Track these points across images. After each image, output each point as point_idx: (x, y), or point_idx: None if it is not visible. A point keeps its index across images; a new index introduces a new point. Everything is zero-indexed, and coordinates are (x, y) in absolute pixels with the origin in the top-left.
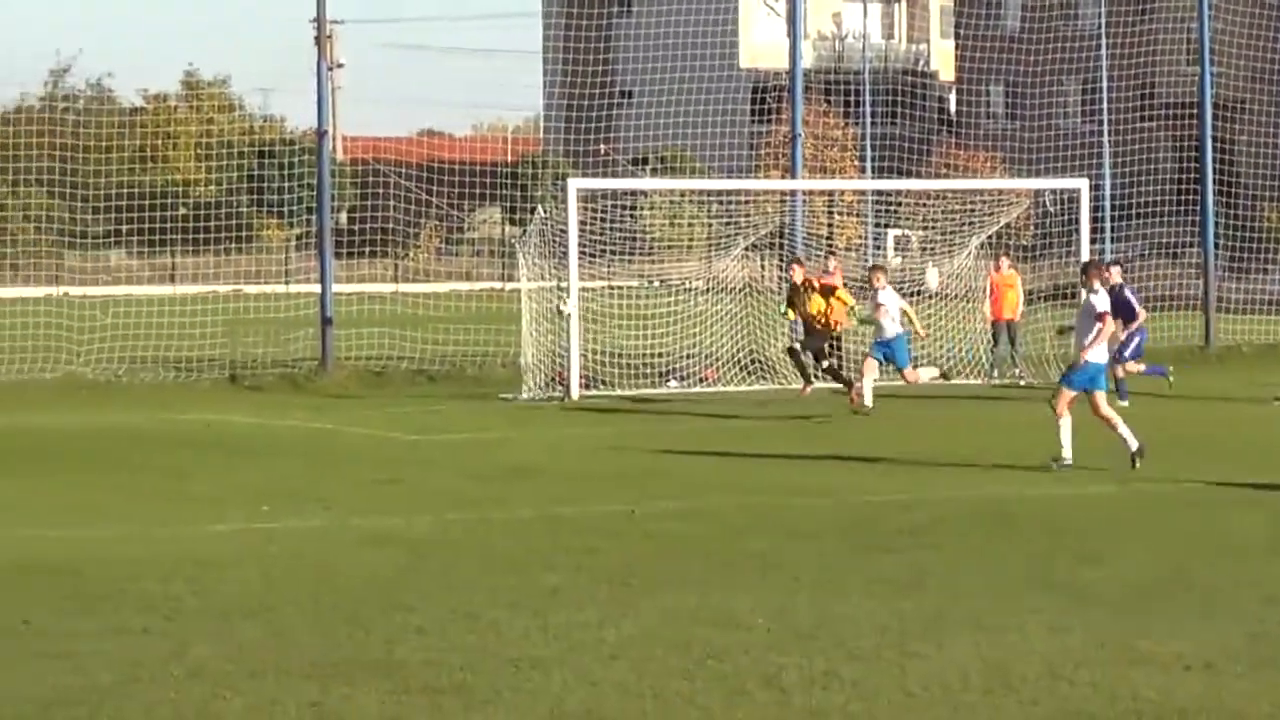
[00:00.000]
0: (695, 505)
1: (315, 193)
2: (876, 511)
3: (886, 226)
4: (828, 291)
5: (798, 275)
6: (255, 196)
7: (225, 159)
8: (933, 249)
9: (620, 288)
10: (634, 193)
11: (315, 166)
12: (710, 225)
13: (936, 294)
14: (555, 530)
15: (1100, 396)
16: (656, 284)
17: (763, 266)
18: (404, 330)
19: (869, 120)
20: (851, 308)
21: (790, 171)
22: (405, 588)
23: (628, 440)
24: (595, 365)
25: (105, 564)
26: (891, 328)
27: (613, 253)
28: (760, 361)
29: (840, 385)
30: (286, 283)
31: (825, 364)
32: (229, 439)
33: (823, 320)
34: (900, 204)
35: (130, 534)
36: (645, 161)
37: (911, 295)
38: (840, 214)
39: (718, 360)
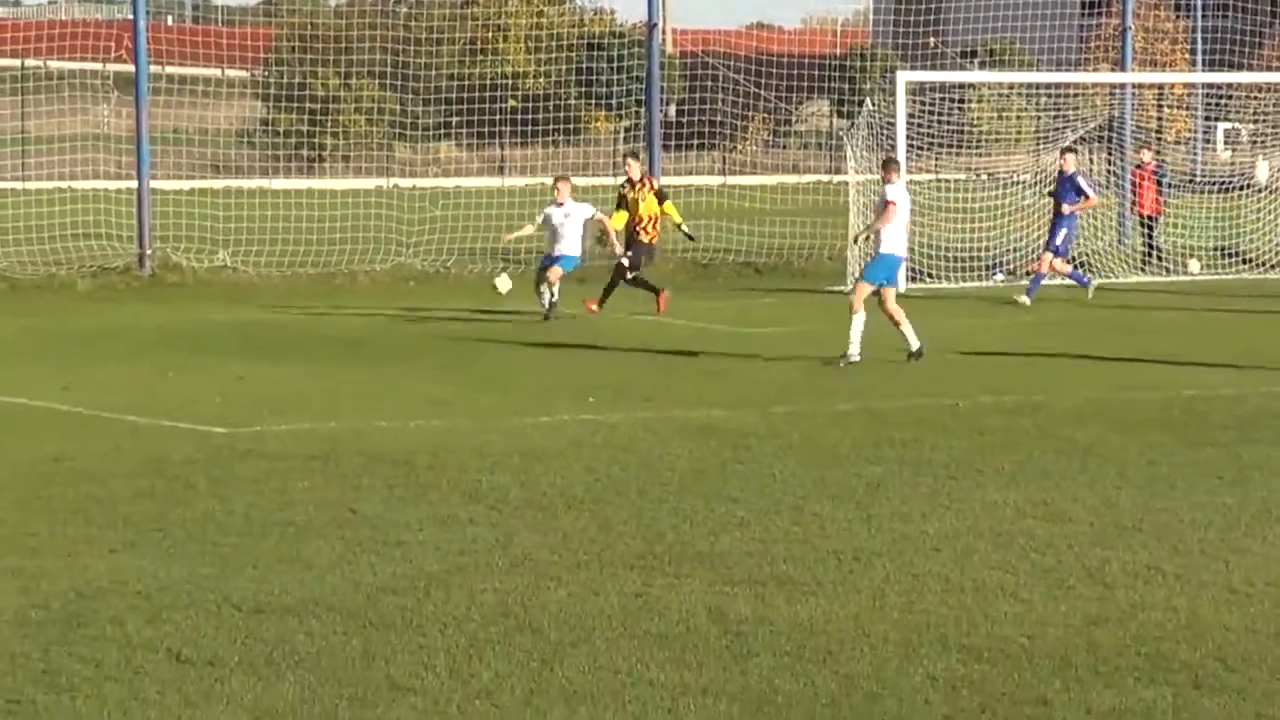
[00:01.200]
0: (1019, 399)
1: (644, 85)
2: (1203, 405)
3: (1216, 120)
4: (663, 197)
5: (635, 171)
6: (584, 89)
7: (555, 51)
8: (1263, 142)
9: (947, 181)
10: (962, 86)
11: (645, 59)
12: (1038, 119)
13: (1266, 187)
14: (879, 423)
15: (890, 292)
16: (984, 177)
17: (1091, 160)
18: (731, 222)
19: (1200, 12)
20: (679, 224)
21: (1120, 64)
22: (728, 479)
23: (951, 334)
24: (922, 258)
25: (433, 454)
26: (893, 241)
27: (940, 146)
28: (1088, 254)
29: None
30: (615, 175)
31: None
32: (555, 331)
33: (650, 228)
34: (1230, 97)
35: (457, 425)
36: (974, 54)
37: (1242, 189)
38: (1170, 107)
39: (1044, 253)
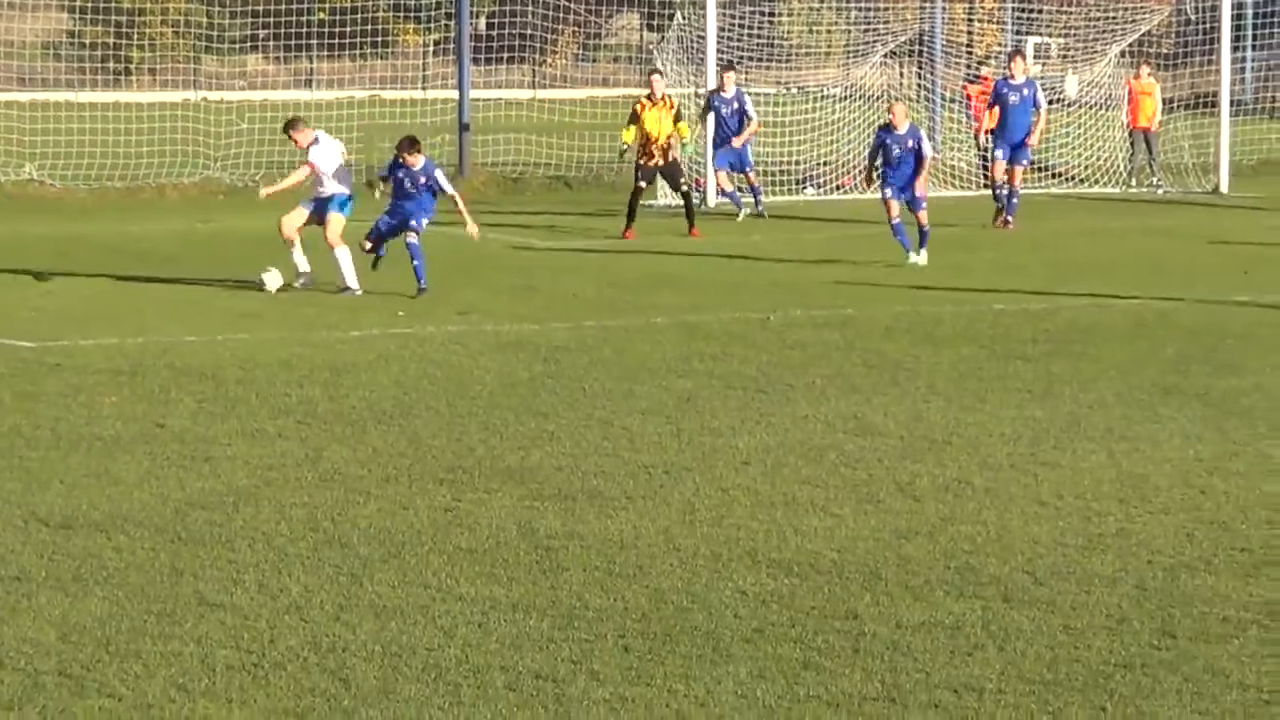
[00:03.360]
0: (830, 314)
1: None
2: (1012, 320)
3: (1026, 34)
4: (678, 116)
5: (658, 86)
6: (393, 1)
7: None
8: (1072, 57)
9: (758, 95)
10: None
11: None
12: (849, 32)
13: (1075, 102)
14: (690, 337)
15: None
16: (794, 91)
17: (901, 74)
18: (542, 136)
19: None
20: (684, 141)
21: None
22: (538, 394)
23: (763, 249)
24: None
25: (242, 368)
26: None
27: (750, 59)
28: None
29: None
30: (424, 89)
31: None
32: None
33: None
34: (1040, 11)
35: (266, 339)
36: None
37: (1052, 104)
38: (980, 21)
39: (854, 168)
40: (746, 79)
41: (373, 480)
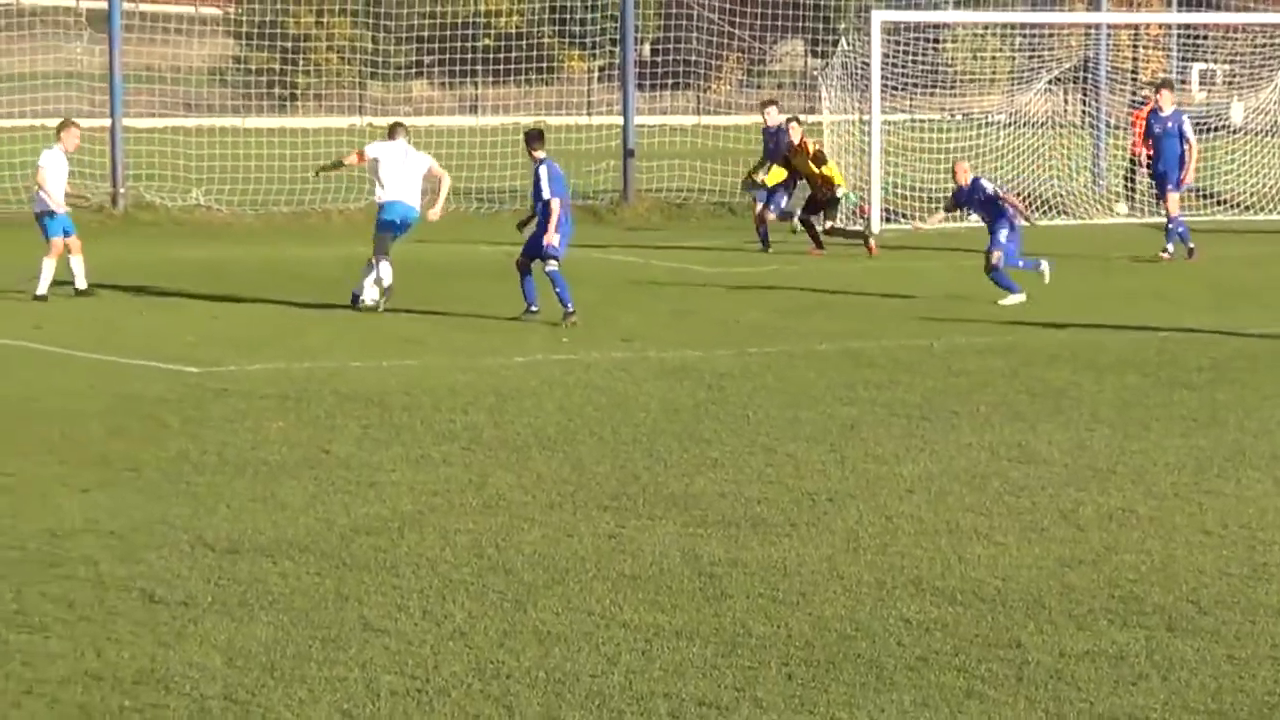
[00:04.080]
0: (995, 340)
1: (619, 24)
2: (1177, 347)
3: (1191, 61)
4: (820, 160)
5: (795, 134)
6: (558, 27)
7: None
8: (1238, 84)
9: (923, 121)
10: (937, 25)
11: None
12: (1014, 59)
13: (1240, 128)
14: (854, 364)
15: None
16: (959, 118)
17: (1066, 101)
18: (706, 162)
19: None
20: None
21: (1095, 4)
22: (702, 420)
23: (928, 274)
24: (896, 199)
25: (406, 393)
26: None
27: (915, 86)
28: (1062, 196)
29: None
30: (589, 114)
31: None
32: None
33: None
34: (1206, 38)
35: (432, 365)
36: None
37: (1217, 130)
38: (1145, 48)
39: (1021, 194)
40: (911, 105)
41: (537, 506)
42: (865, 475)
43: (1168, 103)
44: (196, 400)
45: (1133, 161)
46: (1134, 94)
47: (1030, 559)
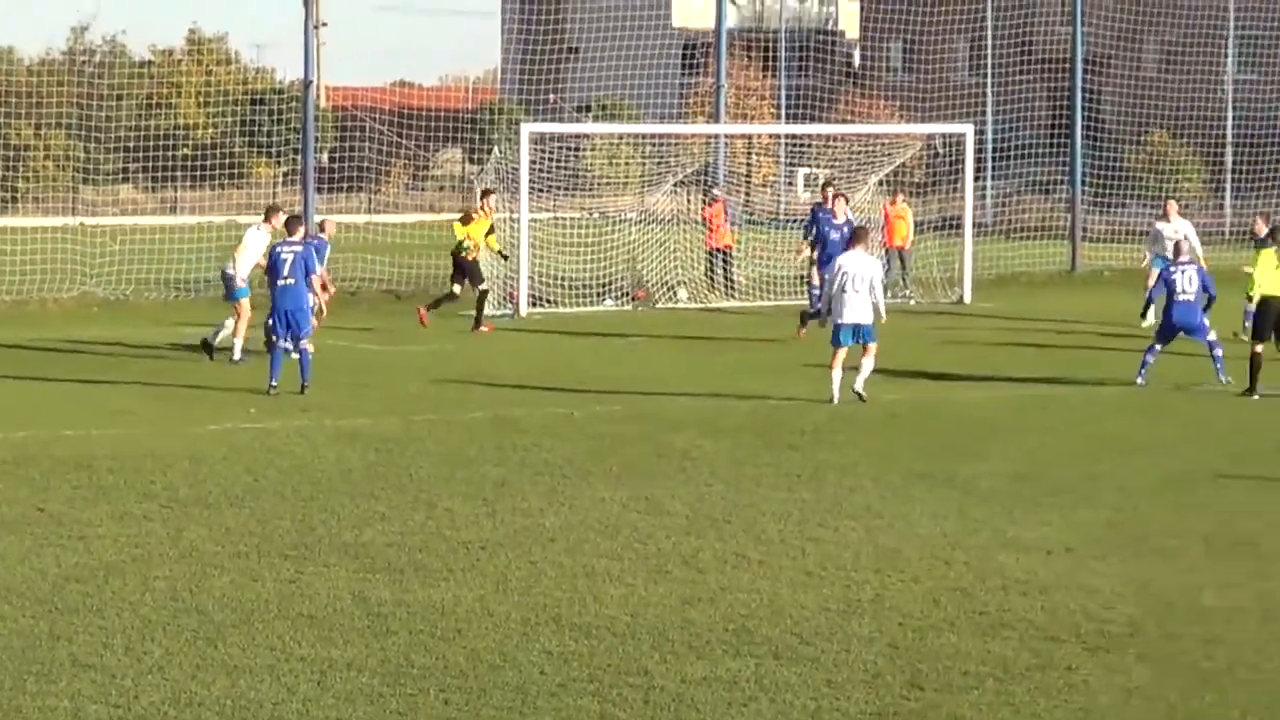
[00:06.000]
0: (628, 408)
1: (301, 135)
2: (785, 414)
3: (797, 166)
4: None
5: (492, 201)
6: (248, 138)
7: (222, 105)
8: (838, 186)
9: (564, 219)
10: (578, 136)
11: (301, 112)
12: (644, 164)
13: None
14: (504, 430)
15: None
16: (596, 215)
17: (688, 200)
18: (375, 255)
19: (784, 73)
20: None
21: (714, 117)
22: (372, 479)
23: (569, 352)
24: (541, 286)
25: (113, 458)
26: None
27: (559, 188)
28: (684, 282)
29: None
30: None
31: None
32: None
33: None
34: (810, 146)
35: (136, 433)
36: (589, 109)
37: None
38: (757, 154)
39: (648, 282)
40: (555, 204)
41: (226, 555)
42: (513, 526)
43: (840, 211)
44: None
45: (710, 254)
46: (704, 194)
47: (656, 597)
